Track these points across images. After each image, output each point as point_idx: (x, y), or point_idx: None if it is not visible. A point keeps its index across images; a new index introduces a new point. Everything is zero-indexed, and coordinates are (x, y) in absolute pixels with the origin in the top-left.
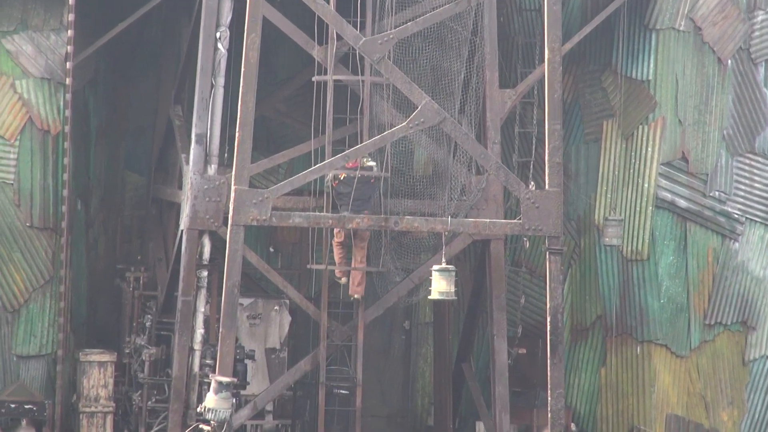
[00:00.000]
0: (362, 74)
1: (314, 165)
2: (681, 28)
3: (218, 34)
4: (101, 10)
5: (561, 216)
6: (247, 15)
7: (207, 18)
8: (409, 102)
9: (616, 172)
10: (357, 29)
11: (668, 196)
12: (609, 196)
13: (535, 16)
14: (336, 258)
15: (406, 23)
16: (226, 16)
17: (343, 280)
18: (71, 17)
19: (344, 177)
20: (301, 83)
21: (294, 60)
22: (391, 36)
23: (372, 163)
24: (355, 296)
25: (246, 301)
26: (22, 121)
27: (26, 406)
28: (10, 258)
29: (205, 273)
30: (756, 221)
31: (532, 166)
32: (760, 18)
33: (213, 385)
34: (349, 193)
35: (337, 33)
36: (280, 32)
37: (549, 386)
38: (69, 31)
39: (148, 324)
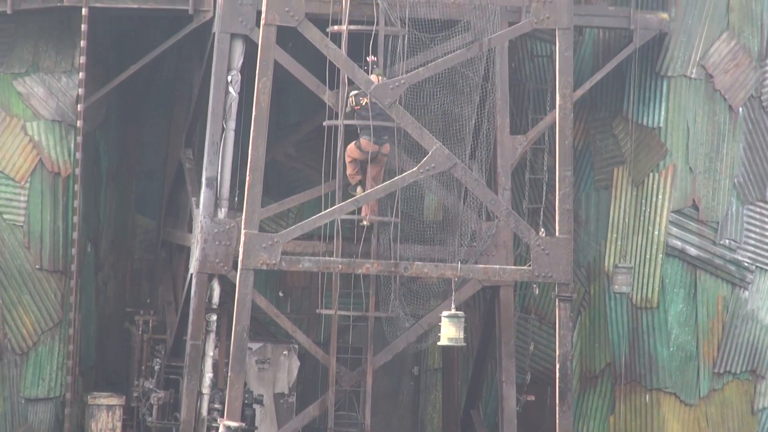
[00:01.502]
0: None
1: (324, 210)
2: (692, 76)
3: (229, 78)
4: (113, 52)
5: (571, 263)
6: (259, 59)
7: (218, 61)
8: (420, 147)
9: (627, 219)
10: (368, 74)
11: (678, 243)
12: (619, 243)
13: (546, 62)
14: (348, 171)
15: (418, 68)
16: (238, 60)
17: (359, 189)
18: (83, 60)
19: (366, 102)
20: (312, 127)
21: (305, 104)
22: (402, 81)
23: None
24: (364, 222)
25: (255, 346)
26: (32, 164)
27: None
28: (20, 300)
29: (214, 317)
30: (766, 270)
31: (542, 213)
32: None
33: (221, 429)
34: (372, 115)
35: (348, 78)
36: (291, 76)
37: None
38: (80, 74)
39: (156, 368)
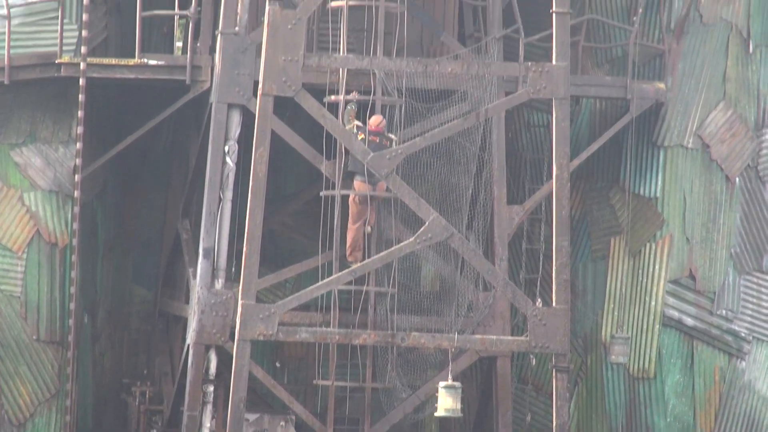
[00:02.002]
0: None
1: (321, 280)
2: (689, 146)
3: (227, 148)
4: (110, 122)
5: (568, 333)
6: (256, 129)
7: (216, 132)
8: (416, 217)
9: (623, 290)
10: (365, 144)
11: (675, 314)
12: (616, 313)
13: (543, 132)
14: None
15: (415, 138)
16: (235, 130)
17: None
18: (80, 130)
19: (362, 139)
20: (309, 198)
21: (302, 174)
22: (399, 151)
23: (393, 136)
24: (367, 229)
25: (252, 417)
26: (29, 234)
27: None
28: (17, 371)
29: (211, 388)
30: (763, 340)
31: (539, 283)
32: (767, 136)
33: None
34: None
35: (345, 148)
36: (288, 146)
37: None
38: (78, 144)
39: None
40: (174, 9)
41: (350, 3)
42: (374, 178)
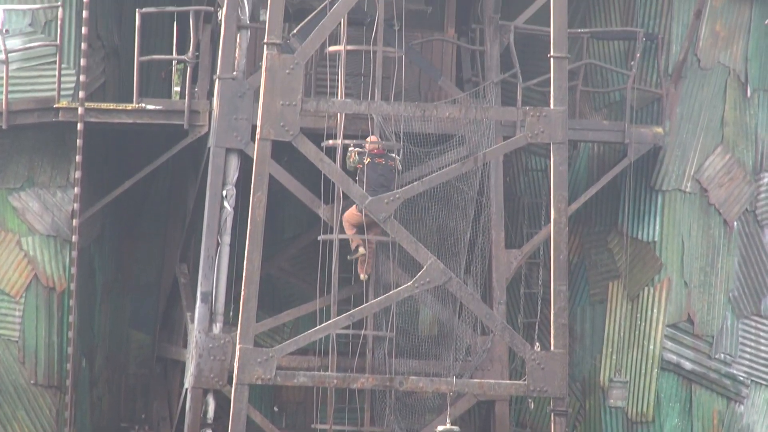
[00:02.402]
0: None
1: (319, 324)
2: (687, 190)
3: (224, 192)
4: (108, 167)
5: (566, 377)
6: (254, 173)
7: (213, 176)
8: (414, 261)
9: (622, 334)
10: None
11: (674, 358)
12: (614, 357)
13: (541, 176)
14: (348, 231)
15: (413, 182)
16: (233, 175)
17: (360, 249)
18: (78, 175)
19: (369, 163)
20: (307, 242)
21: (300, 219)
22: (397, 195)
23: (395, 155)
24: (362, 277)
25: None
26: (27, 279)
27: None
28: (14, 416)
29: None
30: (761, 384)
31: (537, 327)
32: (766, 180)
33: None
34: (373, 176)
35: (343, 192)
36: (286, 190)
37: None
38: (75, 189)
39: None
40: (172, 54)
41: (348, 48)
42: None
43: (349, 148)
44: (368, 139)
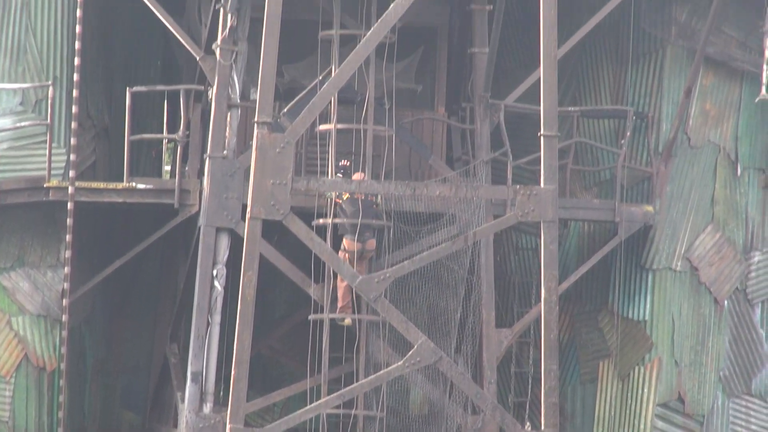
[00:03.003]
0: (358, 312)
1: (309, 404)
2: (678, 269)
3: (215, 272)
4: (98, 246)
5: None
6: (244, 253)
7: (204, 255)
8: (405, 340)
9: (612, 413)
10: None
11: None
12: None
13: (531, 255)
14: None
15: (403, 261)
16: (223, 254)
17: (348, 321)
18: (68, 254)
19: (348, 198)
20: (297, 321)
21: (290, 298)
22: (387, 274)
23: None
24: (346, 322)
25: None
26: (17, 359)
27: None
28: None
29: None
30: None
31: (528, 407)
32: (756, 259)
33: None
34: (353, 212)
35: (333, 271)
36: (276, 269)
37: None
38: (66, 268)
39: None
40: (162, 132)
41: (338, 126)
42: (363, 236)
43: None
44: (354, 177)
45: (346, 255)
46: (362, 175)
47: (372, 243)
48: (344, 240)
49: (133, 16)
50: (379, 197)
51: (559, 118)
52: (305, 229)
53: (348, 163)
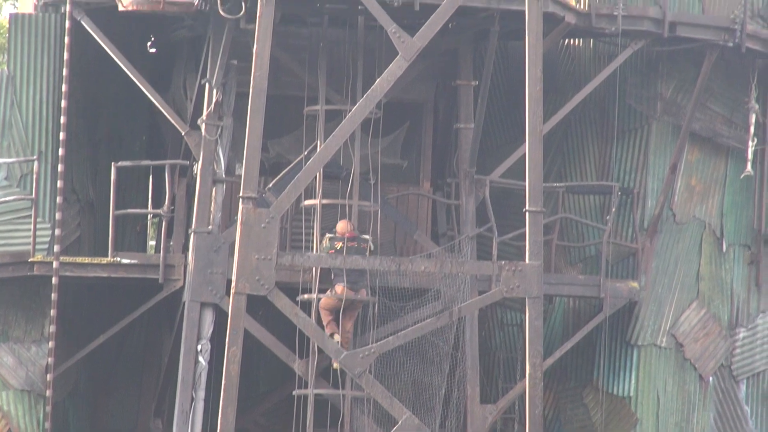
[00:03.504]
0: (343, 388)
1: None
2: (663, 345)
3: (199, 347)
4: (82, 321)
5: None
6: (229, 328)
7: (188, 330)
8: (389, 416)
9: None
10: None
11: None
12: None
13: (516, 331)
14: (324, 321)
15: (388, 337)
16: (208, 329)
17: (336, 337)
18: (52, 329)
19: (340, 247)
20: (281, 396)
21: (275, 373)
22: (372, 350)
23: (368, 237)
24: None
25: None
26: None
27: None
28: None
29: None
30: None
31: None
32: (741, 335)
33: None
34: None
35: (318, 346)
36: (261, 344)
37: None
38: (50, 343)
39: None
40: (147, 207)
41: (324, 202)
42: (356, 285)
43: (326, 234)
44: (339, 225)
45: (335, 303)
46: (346, 222)
47: (363, 292)
48: (336, 286)
49: (119, 90)
50: (371, 244)
51: (544, 193)
52: (290, 305)
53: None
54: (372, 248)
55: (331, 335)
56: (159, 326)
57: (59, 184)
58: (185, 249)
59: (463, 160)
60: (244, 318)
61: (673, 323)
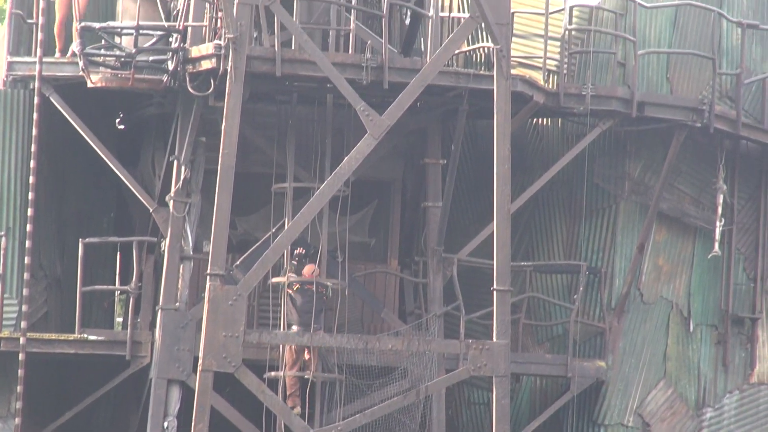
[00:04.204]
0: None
1: None
2: (629, 424)
3: (166, 424)
4: (49, 397)
5: None
6: (195, 405)
7: (155, 407)
8: None
9: None
10: (305, 420)
11: None
12: None
13: (483, 410)
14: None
15: (355, 415)
16: (174, 406)
17: (297, 410)
18: (19, 405)
19: (298, 288)
20: None
21: None
22: (339, 428)
23: (329, 284)
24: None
25: None
26: None
27: None
28: None
29: None
30: None
31: None
32: (708, 415)
33: None
34: (303, 302)
35: (285, 424)
36: (228, 421)
37: None
38: (16, 419)
39: None
40: (115, 284)
41: (291, 279)
42: (313, 327)
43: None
44: (305, 268)
45: (293, 346)
46: (314, 267)
47: (320, 333)
48: (293, 329)
49: (87, 166)
50: (330, 290)
51: (512, 272)
52: (257, 382)
53: (303, 251)
54: (329, 295)
55: (293, 408)
56: (126, 403)
57: (26, 260)
58: (152, 326)
59: (431, 238)
60: (210, 395)
61: (640, 403)
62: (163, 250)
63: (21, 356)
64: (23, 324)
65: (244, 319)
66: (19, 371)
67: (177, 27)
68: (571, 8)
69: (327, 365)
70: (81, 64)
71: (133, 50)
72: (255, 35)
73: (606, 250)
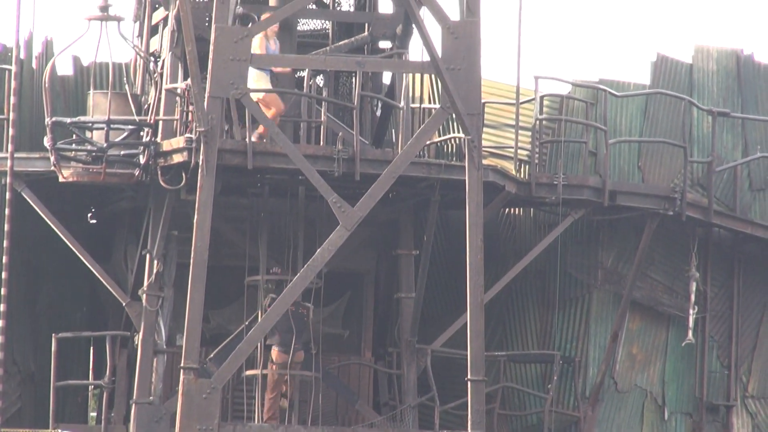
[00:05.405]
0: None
1: None
2: None
3: None
4: None
5: None
6: None
7: None
8: None
9: None
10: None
11: None
12: None
13: None
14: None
15: None
16: None
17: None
18: None
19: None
20: None
21: None
22: None
23: (309, 305)
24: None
25: None
26: None
27: None
28: None
29: None
30: None
31: None
32: None
33: None
34: (281, 320)
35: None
36: None
37: None
38: None
39: None
40: (88, 378)
41: (265, 371)
42: (293, 348)
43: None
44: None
45: (275, 367)
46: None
47: (300, 355)
48: (273, 351)
49: (59, 261)
50: (311, 311)
51: (486, 362)
52: None
53: (279, 271)
54: (311, 316)
55: (270, 419)
56: None
57: (0, 355)
58: (126, 420)
59: (405, 329)
60: None
61: None
62: (137, 344)
63: None
64: None
65: (219, 412)
66: None
67: (148, 121)
68: (541, 98)
69: None
70: (52, 159)
71: (105, 144)
72: (226, 128)
73: (580, 339)
